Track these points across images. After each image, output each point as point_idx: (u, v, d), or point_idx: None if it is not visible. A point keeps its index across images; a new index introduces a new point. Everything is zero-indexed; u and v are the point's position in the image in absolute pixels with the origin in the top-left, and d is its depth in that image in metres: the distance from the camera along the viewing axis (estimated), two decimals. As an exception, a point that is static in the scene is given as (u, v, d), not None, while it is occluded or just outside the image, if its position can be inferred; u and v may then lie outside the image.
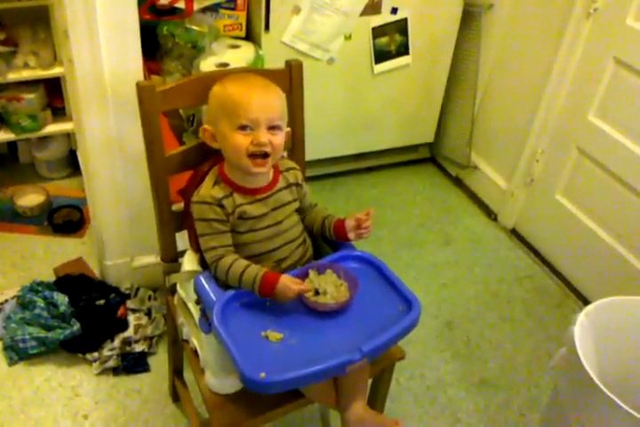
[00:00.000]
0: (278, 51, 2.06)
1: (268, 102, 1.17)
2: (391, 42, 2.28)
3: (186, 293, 1.25)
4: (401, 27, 2.26)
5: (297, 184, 1.28)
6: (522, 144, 2.27)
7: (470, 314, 2.05)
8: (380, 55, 2.29)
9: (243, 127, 1.14)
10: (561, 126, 2.12)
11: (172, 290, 1.35)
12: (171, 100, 1.25)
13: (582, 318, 1.38)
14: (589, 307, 1.41)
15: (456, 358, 1.88)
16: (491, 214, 2.49)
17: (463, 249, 2.33)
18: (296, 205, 1.28)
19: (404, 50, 2.32)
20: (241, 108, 1.13)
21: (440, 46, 2.38)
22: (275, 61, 1.96)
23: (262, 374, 1.01)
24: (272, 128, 1.16)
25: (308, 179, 1.46)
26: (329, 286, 1.19)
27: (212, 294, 1.16)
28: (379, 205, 2.50)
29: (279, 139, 1.18)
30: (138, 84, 1.20)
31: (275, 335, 1.11)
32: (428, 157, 2.78)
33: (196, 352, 1.24)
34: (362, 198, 2.53)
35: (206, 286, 1.18)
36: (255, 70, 1.45)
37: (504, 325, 2.02)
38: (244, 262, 1.16)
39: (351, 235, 1.26)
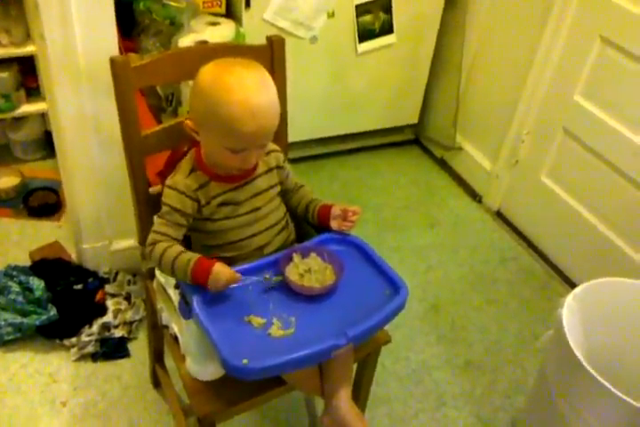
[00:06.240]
0: (259, 28, 2.00)
1: (266, 130, 1.07)
2: (375, 20, 2.23)
3: (165, 277, 1.21)
4: (385, 4, 2.21)
5: (278, 167, 1.23)
6: (507, 125, 2.24)
7: (455, 296, 2.04)
8: (364, 34, 2.24)
9: (234, 151, 1.08)
10: (546, 107, 2.09)
11: (151, 274, 1.31)
12: (147, 77, 1.20)
13: (570, 300, 1.37)
14: (577, 289, 1.40)
15: (441, 341, 1.87)
16: (475, 196, 2.47)
17: (448, 231, 2.31)
18: (277, 189, 1.23)
19: (388, 28, 2.27)
20: (238, 135, 1.04)
21: (425, 25, 2.34)
22: (256, 39, 1.88)
23: (245, 361, 0.98)
24: (262, 146, 1.12)
25: (291, 161, 1.42)
26: (313, 269, 1.16)
27: (192, 279, 1.12)
28: (362, 188, 2.46)
29: (265, 149, 1.16)
30: (112, 60, 1.14)
31: (257, 320, 1.07)
32: (413, 139, 2.75)
33: (176, 338, 1.21)
34: (345, 180, 2.49)
35: (186, 270, 1.14)
36: (237, 46, 1.40)
37: (489, 307, 2.01)
38: (179, 248, 1.11)
39: (334, 223, 1.23)
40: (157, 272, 1.25)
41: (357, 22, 2.19)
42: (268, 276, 1.15)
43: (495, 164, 2.35)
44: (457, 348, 1.86)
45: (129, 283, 1.80)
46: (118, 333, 1.67)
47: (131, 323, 1.71)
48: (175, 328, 1.20)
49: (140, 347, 1.70)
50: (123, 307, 1.72)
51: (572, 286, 2.10)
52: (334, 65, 2.27)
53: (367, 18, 2.21)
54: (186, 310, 1.12)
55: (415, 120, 2.63)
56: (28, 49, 2.08)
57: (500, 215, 2.39)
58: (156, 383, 1.60)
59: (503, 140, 2.28)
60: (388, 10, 2.23)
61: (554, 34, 1.97)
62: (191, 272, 1.07)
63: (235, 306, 1.10)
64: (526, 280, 2.13)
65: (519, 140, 2.21)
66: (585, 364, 1.21)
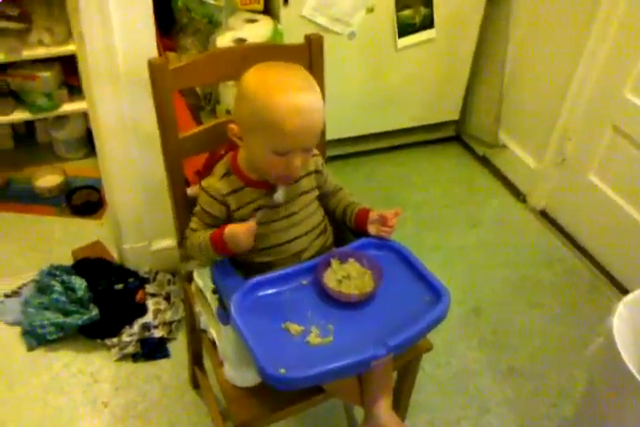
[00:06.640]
0: (297, 25, 1.97)
1: (312, 129, 1.05)
2: (415, 14, 2.17)
3: (203, 281, 1.20)
4: (426, -2, 2.16)
5: (317, 171, 1.21)
6: (553, 122, 2.16)
7: (498, 299, 1.98)
8: (404, 29, 2.19)
9: (279, 153, 1.06)
10: (595, 103, 2.01)
11: (189, 277, 1.30)
12: (185, 79, 1.19)
13: (621, 308, 1.31)
14: (628, 297, 1.33)
15: (483, 346, 1.82)
16: (519, 195, 2.40)
17: (490, 231, 2.25)
18: (315, 193, 1.21)
19: (428, 23, 2.21)
20: (284, 135, 1.03)
21: (466, 18, 2.27)
22: (294, 36, 1.88)
23: (282, 371, 0.96)
24: (307, 149, 1.10)
25: (329, 159, 1.39)
26: (352, 276, 1.13)
27: (230, 284, 1.10)
28: (401, 186, 2.42)
29: (310, 155, 1.14)
30: (149, 62, 1.13)
31: (295, 328, 1.05)
32: (454, 136, 2.68)
33: (214, 343, 1.20)
34: (384, 178, 2.45)
35: (224, 274, 1.13)
36: (274, 45, 1.38)
37: (533, 311, 1.95)
38: (200, 233, 1.15)
39: (371, 228, 1.20)
40: (195, 275, 1.24)
41: (397, 17, 2.14)
42: (305, 282, 1.13)
43: (540, 162, 2.28)
44: (499, 353, 1.80)
45: (169, 283, 1.81)
46: (158, 333, 1.67)
47: (170, 323, 1.71)
48: (213, 333, 1.19)
49: (179, 347, 1.70)
50: (162, 307, 1.72)
51: (621, 289, 2.03)
52: (373, 61, 2.23)
53: (407, 12, 2.16)
54: (224, 316, 1.11)
55: (456, 117, 2.57)
56: (70, 48, 2.10)
57: (544, 215, 2.32)
58: (195, 385, 1.60)
59: (549, 137, 2.20)
60: (428, 4, 2.17)
61: (604, 25, 1.88)
62: (212, 246, 1.10)
63: (272, 312, 1.08)
64: (572, 283, 2.06)
65: (565, 138, 2.14)
66: (637, 375, 1.16)
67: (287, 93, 1.02)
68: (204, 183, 1.16)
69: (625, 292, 2.01)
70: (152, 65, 1.13)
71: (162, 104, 1.17)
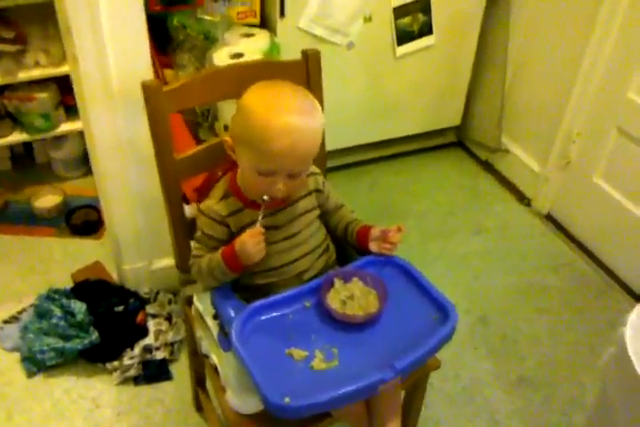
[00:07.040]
0: (294, 37, 1.95)
1: (300, 152, 1.01)
2: (414, 22, 2.15)
3: (203, 306, 1.18)
4: (424, 5, 2.13)
5: (317, 190, 1.19)
6: (556, 125, 2.14)
7: (505, 307, 1.95)
8: (403, 36, 2.16)
9: (262, 173, 1.04)
10: (599, 105, 1.98)
11: (189, 301, 1.28)
12: (180, 100, 1.17)
13: (633, 317, 1.28)
14: (640, 307, 1.30)
15: (491, 356, 1.79)
16: (523, 199, 2.37)
17: (495, 237, 2.22)
18: (316, 212, 1.19)
19: (427, 29, 2.19)
20: (269, 154, 1.00)
21: (466, 23, 2.25)
22: (291, 49, 1.85)
23: (287, 399, 0.94)
24: (294, 175, 1.06)
25: (329, 169, 1.37)
26: (356, 296, 1.11)
27: (230, 309, 1.08)
28: (404, 194, 2.39)
29: (300, 180, 1.09)
30: (143, 85, 1.12)
31: (299, 353, 1.03)
32: (455, 142, 2.66)
33: (216, 369, 1.17)
34: (386, 187, 2.43)
35: (225, 299, 1.11)
36: (271, 62, 1.36)
37: (541, 318, 1.92)
38: (208, 255, 1.11)
39: (373, 245, 1.17)
40: (195, 299, 1.22)
41: (395, 25, 2.12)
42: (308, 304, 1.11)
43: (544, 165, 2.25)
44: (508, 363, 1.78)
45: (169, 302, 1.79)
46: (160, 355, 1.65)
47: (172, 344, 1.69)
48: (215, 359, 1.16)
49: (181, 369, 1.67)
50: (164, 328, 1.70)
51: (631, 293, 2.00)
52: (372, 70, 2.21)
53: (405, 20, 2.14)
54: (225, 342, 1.09)
55: (457, 122, 2.55)
56: (66, 68, 2.08)
57: (550, 219, 2.29)
58: (199, 407, 1.57)
59: (552, 140, 2.17)
60: (427, 10, 2.15)
61: (606, 26, 1.86)
62: (225, 263, 1.07)
63: (275, 337, 1.05)
64: (580, 288, 2.03)
65: (570, 141, 2.11)
66: (651, 389, 1.13)
67: (281, 113, 1.00)
68: (202, 206, 1.13)
69: (634, 296, 1.98)
70: (146, 87, 1.11)
71: (157, 126, 1.15)
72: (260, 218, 1.07)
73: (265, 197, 1.06)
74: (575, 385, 1.72)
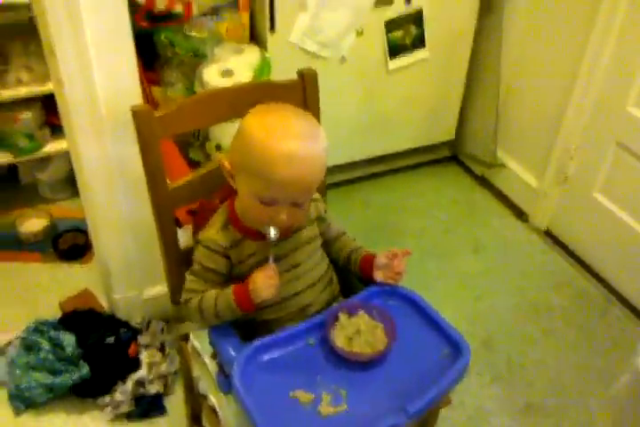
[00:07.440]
0: (285, 52, 1.90)
1: (303, 181, 0.96)
2: (406, 35, 2.11)
3: (201, 344, 1.11)
4: (416, 18, 2.09)
5: (319, 218, 1.13)
6: (553, 139, 2.10)
7: (508, 329, 1.90)
8: (395, 50, 2.12)
9: (264, 202, 0.98)
10: (597, 118, 1.94)
11: (185, 337, 1.21)
12: (173, 125, 1.12)
13: (647, 346, 1.24)
14: (655, 335, 1.25)
15: (497, 382, 1.74)
16: (521, 215, 2.33)
17: (494, 255, 2.17)
18: (318, 241, 1.13)
19: (419, 42, 2.15)
20: (271, 183, 0.95)
21: (459, 35, 2.21)
22: (282, 64, 1.81)
23: (295, 450, 0.88)
24: (298, 204, 1.00)
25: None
26: (362, 331, 1.05)
27: (230, 349, 1.02)
28: (399, 212, 2.34)
29: (304, 210, 1.03)
30: (133, 111, 1.05)
31: (305, 396, 0.97)
32: (450, 157, 2.61)
33: (214, 410, 1.10)
34: (380, 205, 2.37)
35: (224, 337, 1.04)
36: (265, 83, 1.30)
37: (546, 339, 1.87)
38: (214, 291, 1.04)
39: (378, 274, 1.11)
40: (192, 337, 1.15)
41: (388, 39, 2.08)
42: (312, 341, 1.05)
43: (542, 181, 2.21)
44: (515, 389, 1.72)
45: (162, 331, 1.71)
46: (153, 388, 1.57)
47: (166, 376, 1.61)
48: (214, 400, 1.10)
49: (176, 402, 1.59)
50: (157, 359, 1.62)
51: (634, 310, 1.96)
52: (364, 84, 2.16)
53: (398, 33, 2.09)
54: (225, 383, 1.02)
55: (452, 136, 2.50)
56: (51, 86, 2.01)
57: (548, 235, 2.25)
58: (195, 443, 1.50)
59: (549, 155, 2.14)
60: (419, 23, 2.11)
61: (602, 37, 1.82)
62: (236, 303, 1.00)
63: (279, 379, 0.99)
64: (583, 307, 1.99)
65: (567, 156, 2.07)
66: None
67: (284, 139, 0.94)
68: (201, 237, 1.06)
69: (637, 312, 1.94)
70: (136, 114, 1.05)
71: (149, 153, 1.09)
72: (271, 257, 1.01)
73: (272, 233, 1.00)
74: (583, 410, 1.67)
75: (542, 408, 1.67)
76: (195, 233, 1.15)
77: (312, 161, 0.96)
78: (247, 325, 1.08)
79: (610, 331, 1.90)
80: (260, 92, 1.17)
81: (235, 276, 1.06)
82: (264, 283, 0.98)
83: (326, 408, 0.95)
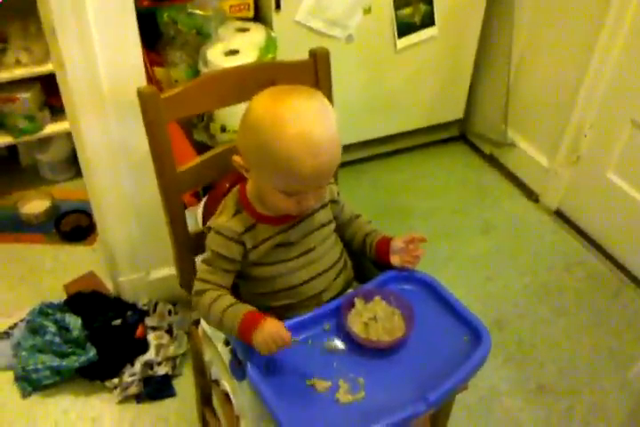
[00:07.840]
0: (291, 31, 1.84)
1: (328, 169, 0.92)
2: (415, 12, 2.05)
3: (212, 330, 1.08)
4: (425, -6, 2.03)
5: (332, 201, 1.09)
6: (566, 117, 2.05)
7: (520, 310, 1.87)
8: (404, 28, 2.06)
9: (288, 193, 0.95)
10: (611, 96, 1.89)
11: (197, 322, 1.18)
12: (180, 108, 1.07)
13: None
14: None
15: (509, 362, 1.72)
16: (532, 195, 2.29)
17: (504, 236, 2.14)
18: (332, 225, 1.09)
19: (429, 20, 2.09)
20: (295, 178, 0.91)
21: (469, 12, 2.14)
22: (288, 44, 1.75)
23: (313, 439, 0.85)
24: (322, 186, 0.98)
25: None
26: (379, 317, 1.02)
27: (244, 336, 0.99)
28: (407, 192, 2.30)
29: (325, 189, 1.01)
30: (139, 92, 1.01)
31: (322, 384, 0.94)
32: (458, 136, 2.56)
33: (227, 395, 1.08)
34: (389, 185, 2.33)
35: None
36: (276, 64, 1.26)
37: (558, 320, 1.85)
38: (230, 299, 0.98)
39: (394, 259, 1.08)
40: (204, 322, 1.12)
41: (396, 16, 2.02)
42: (327, 327, 1.02)
43: (553, 160, 2.17)
44: (527, 369, 1.70)
45: (169, 313, 1.69)
46: (162, 370, 1.56)
47: (174, 358, 1.60)
48: (227, 386, 1.07)
49: (185, 384, 1.58)
50: (165, 341, 1.60)
51: (648, 291, 1.93)
52: (372, 64, 2.11)
53: (406, 11, 2.03)
54: (238, 371, 0.99)
55: (461, 115, 2.45)
56: (50, 67, 1.97)
57: (559, 215, 2.21)
58: (205, 425, 1.48)
59: (562, 134, 2.09)
60: (429, 0, 2.05)
61: (620, 10, 1.76)
62: (238, 328, 0.94)
63: (296, 366, 0.96)
64: (596, 287, 1.96)
65: (580, 134, 2.03)
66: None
67: (299, 127, 0.88)
68: (213, 224, 1.02)
69: (651, 294, 1.92)
70: (142, 95, 1.01)
71: (155, 136, 1.05)
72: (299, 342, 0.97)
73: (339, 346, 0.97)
74: (597, 392, 1.65)
75: (555, 389, 1.65)
76: (205, 220, 1.12)
77: (333, 144, 0.92)
78: (260, 311, 1.05)
79: (623, 312, 1.88)
80: (270, 73, 1.12)
81: (252, 259, 1.03)
82: (271, 337, 0.91)
83: (344, 396, 0.92)
